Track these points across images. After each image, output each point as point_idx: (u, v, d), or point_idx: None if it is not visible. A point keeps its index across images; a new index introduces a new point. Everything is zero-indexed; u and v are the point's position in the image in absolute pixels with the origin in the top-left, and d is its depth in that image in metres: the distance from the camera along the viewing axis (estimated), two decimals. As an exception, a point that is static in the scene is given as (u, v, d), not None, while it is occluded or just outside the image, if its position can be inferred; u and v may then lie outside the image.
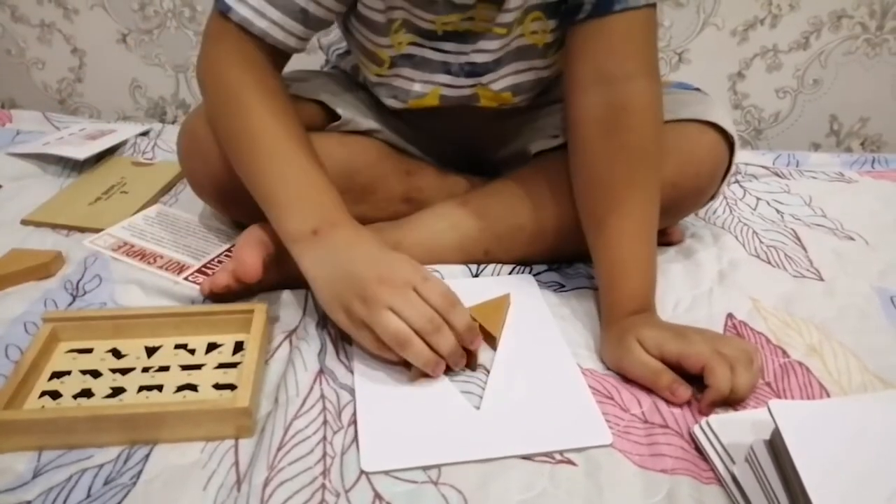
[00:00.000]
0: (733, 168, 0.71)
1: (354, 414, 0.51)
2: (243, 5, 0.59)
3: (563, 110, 0.66)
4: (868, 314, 0.65)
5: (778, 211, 0.86)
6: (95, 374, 0.54)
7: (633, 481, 0.46)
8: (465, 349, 0.55)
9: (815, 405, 0.47)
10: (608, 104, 0.60)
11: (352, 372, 0.55)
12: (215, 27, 0.62)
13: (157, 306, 0.63)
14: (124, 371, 0.55)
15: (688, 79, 0.84)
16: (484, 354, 0.58)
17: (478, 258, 0.71)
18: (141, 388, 0.53)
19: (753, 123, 1.19)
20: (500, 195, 0.71)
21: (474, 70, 0.69)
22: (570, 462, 0.48)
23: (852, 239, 0.79)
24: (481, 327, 0.59)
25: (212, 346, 0.57)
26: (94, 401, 0.51)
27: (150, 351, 0.57)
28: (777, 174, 0.97)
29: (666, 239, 0.76)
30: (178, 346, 0.57)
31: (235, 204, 0.67)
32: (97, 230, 0.76)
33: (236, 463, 0.47)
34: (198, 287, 0.66)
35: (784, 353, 0.60)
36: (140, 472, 0.46)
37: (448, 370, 0.55)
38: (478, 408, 0.52)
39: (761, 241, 0.78)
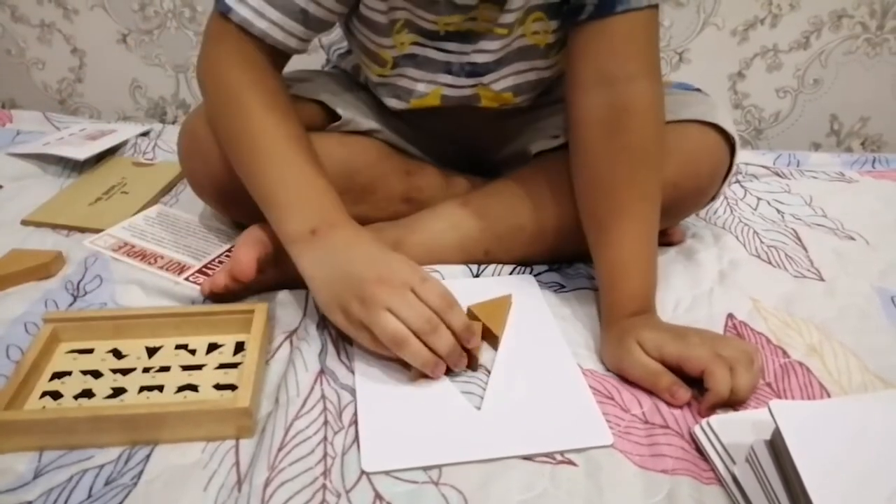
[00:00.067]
0: (734, 168, 0.71)
1: (355, 414, 0.51)
2: (243, 6, 0.59)
3: (564, 111, 0.66)
4: (868, 314, 0.65)
5: (778, 211, 0.86)
6: (96, 374, 0.54)
7: (634, 482, 0.46)
8: (465, 350, 0.55)
9: (816, 405, 0.47)
10: (610, 105, 0.60)
11: (353, 372, 0.55)
12: (215, 28, 0.62)
13: (157, 307, 0.63)
14: (125, 371, 0.55)
15: (688, 78, 0.84)
16: (485, 355, 0.58)
17: (478, 258, 0.71)
18: (142, 389, 0.53)
19: (754, 123, 1.19)
20: (501, 195, 0.71)
21: (475, 70, 0.69)
22: (570, 462, 0.48)
23: (853, 239, 0.79)
24: (483, 326, 0.59)
25: (212, 347, 0.58)
26: (94, 401, 0.52)
27: (151, 351, 0.57)
28: (777, 174, 0.97)
29: (666, 239, 0.76)
30: (178, 347, 0.57)
31: (235, 204, 0.67)
32: (97, 230, 0.76)
33: (237, 463, 0.47)
34: (198, 287, 0.66)
35: (784, 353, 0.60)
36: (141, 473, 0.46)
37: (448, 371, 0.55)
38: (478, 408, 0.52)
39: (762, 241, 0.78)
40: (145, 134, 1.04)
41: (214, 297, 0.63)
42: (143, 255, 0.72)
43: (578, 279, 0.70)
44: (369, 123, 0.74)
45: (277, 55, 0.63)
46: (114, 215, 0.79)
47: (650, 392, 0.54)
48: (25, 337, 0.58)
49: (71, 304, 0.64)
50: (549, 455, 0.48)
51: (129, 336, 0.58)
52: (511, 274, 0.70)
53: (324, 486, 0.45)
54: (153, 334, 0.58)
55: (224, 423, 0.48)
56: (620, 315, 0.58)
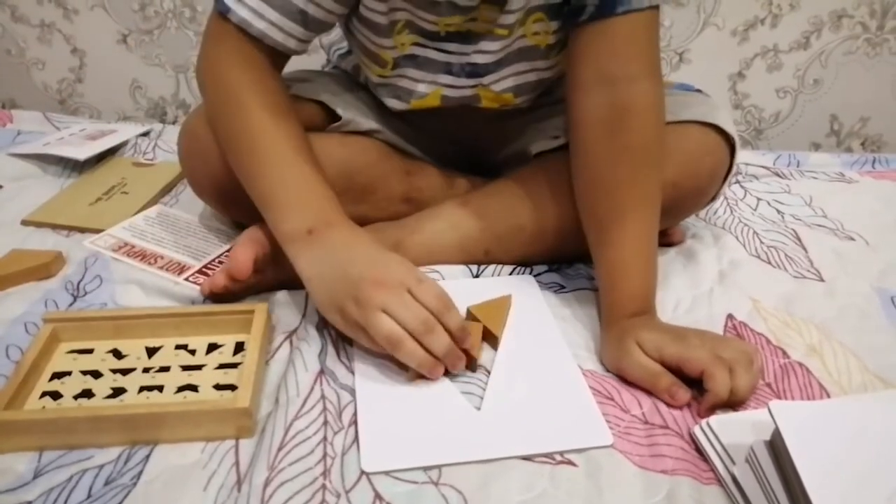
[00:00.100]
0: (734, 169, 0.71)
1: (355, 414, 0.51)
2: (242, 6, 0.59)
3: (564, 111, 0.66)
4: (868, 314, 0.65)
5: (778, 211, 0.86)
6: (96, 374, 0.54)
7: (634, 482, 0.46)
8: (464, 352, 0.55)
9: (816, 405, 0.47)
10: (611, 106, 0.60)
11: (352, 372, 0.55)
12: (215, 28, 0.62)
13: (157, 307, 0.64)
14: (125, 371, 0.55)
15: (688, 79, 0.84)
16: (485, 355, 0.58)
17: (478, 258, 0.71)
18: (141, 389, 0.53)
19: (754, 123, 1.19)
20: (501, 195, 0.71)
21: (475, 71, 0.69)
22: (570, 463, 0.48)
23: (853, 239, 0.79)
24: (483, 327, 0.59)
25: (212, 347, 0.58)
26: (94, 401, 0.52)
27: (151, 351, 0.57)
28: (777, 174, 0.97)
29: (666, 239, 0.76)
30: (178, 347, 0.57)
31: (235, 204, 0.67)
32: (98, 231, 0.76)
33: (237, 463, 0.47)
34: (198, 287, 0.66)
35: (784, 353, 0.60)
36: (140, 473, 0.46)
37: (447, 372, 0.55)
38: (478, 408, 0.52)
39: (762, 242, 0.78)
40: (145, 134, 1.04)
41: (214, 297, 0.63)
42: (143, 256, 0.72)
43: (578, 279, 0.70)
44: (369, 124, 0.74)
45: (277, 55, 0.63)
46: (114, 215, 0.79)
47: (650, 393, 0.54)
48: (25, 337, 0.58)
49: (71, 305, 0.64)
50: (549, 455, 0.48)
51: (128, 336, 0.58)
52: (511, 274, 0.70)
53: (323, 487, 0.45)
54: (153, 334, 0.58)
55: (224, 424, 0.48)
56: (620, 316, 0.58)
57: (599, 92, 0.61)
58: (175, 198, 0.86)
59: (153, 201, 0.84)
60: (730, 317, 0.64)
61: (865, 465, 0.41)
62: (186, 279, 0.68)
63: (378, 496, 0.45)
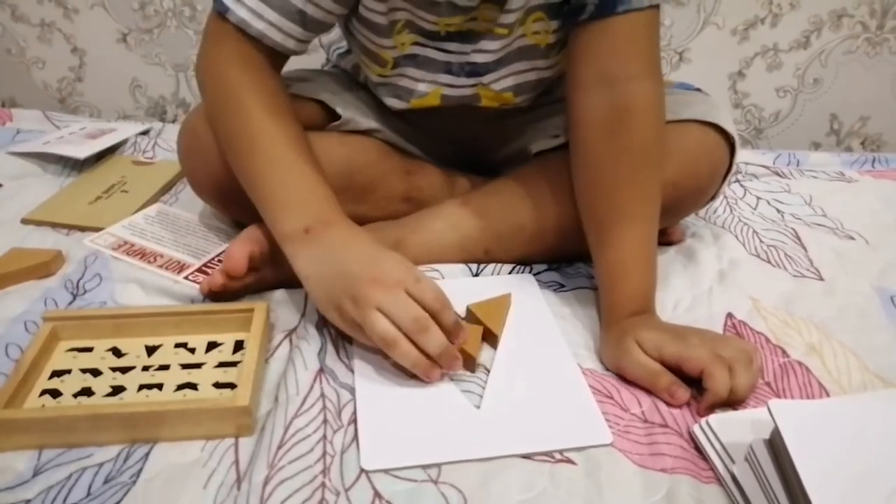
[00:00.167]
0: (734, 168, 0.71)
1: (354, 413, 0.51)
2: (241, 6, 0.59)
3: (564, 110, 0.66)
4: (868, 313, 0.65)
5: (778, 210, 0.86)
6: (96, 372, 0.54)
7: (633, 480, 0.46)
8: (464, 353, 0.55)
9: (815, 404, 0.47)
10: (611, 105, 0.60)
11: (352, 371, 0.55)
12: (214, 28, 0.62)
13: (157, 305, 0.64)
14: (124, 370, 0.55)
15: (688, 78, 0.84)
16: (484, 354, 0.58)
17: (478, 257, 0.71)
18: (141, 387, 0.53)
19: (754, 123, 1.19)
20: (501, 195, 0.71)
21: (475, 70, 0.69)
22: (569, 461, 0.48)
23: (852, 238, 0.79)
24: (483, 326, 0.59)
25: (212, 345, 0.58)
26: (94, 399, 0.52)
27: (151, 350, 0.57)
28: (777, 173, 0.97)
29: (666, 238, 0.76)
30: (178, 345, 0.57)
31: (235, 203, 0.67)
32: (97, 229, 0.76)
33: (236, 461, 0.47)
34: (198, 286, 0.66)
35: (784, 352, 0.60)
36: (140, 471, 0.46)
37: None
38: (478, 407, 0.52)
39: (761, 241, 0.78)
40: (145, 133, 1.04)
41: (213, 295, 0.63)
42: (143, 254, 0.72)
43: (578, 278, 0.70)
44: (369, 123, 0.74)
45: (276, 55, 0.63)
46: (114, 214, 0.79)
47: (649, 391, 0.54)
48: (25, 335, 0.58)
49: (70, 303, 0.64)
50: (549, 454, 0.48)
51: (128, 334, 0.58)
52: (511, 273, 0.70)
53: (323, 485, 0.45)
54: (153, 333, 0.58)
55: (223, 422, 0.48)
56: (620, 315, 0.58)
57: (599, 91, 0.61)
58: (175, 196, 0.86)
59: (153, 200, 0.84)
60: (729, 316, 0.64)
61: (865, 464, 0.41)
62: (186, 278, 0.68)
63: (377, 494, 0.45)
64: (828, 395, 0.55)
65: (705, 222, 0.83)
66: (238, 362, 0.55)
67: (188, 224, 0.79)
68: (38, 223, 0.77)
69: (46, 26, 1.18)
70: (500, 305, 0.62)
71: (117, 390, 0.52)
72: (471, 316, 0.61)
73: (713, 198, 0.73)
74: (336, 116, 0.71)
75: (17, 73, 1.22)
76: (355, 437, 0.49)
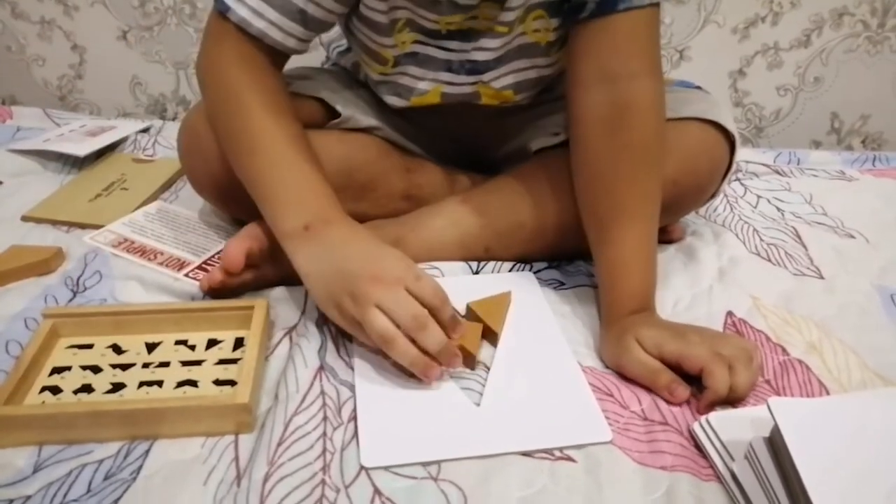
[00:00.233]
0: (734, 166, 0.71)
1: (354, 410, 0.51)
2: (242, 6, 0.59)
3: (564, 108, 0.66)
4: (868, 312, 0.65)
5: (778, 209, 0.86)
6: (96, 369, 0.54)
7: (633, 478, 0.46)
8: (463, 350, 0.55)
9: (815, 402, 0.47)
10: (612, 103, 0.60)
11: (352, 368, 0.55)
12: (215, 26, 0.62)
13: (157, 302, 0.64)
14: (125, 367, 0.55)
15: (689, 76, 0.84)
16: (484, 351, 0.58)
17: (478, 255, 0.71)
18: (141, 384, 0.53)
19: (754, 121, 1.19)
20: (501, 192, 0.71)
21: (475, 68, 0.69)
22: (569, 459, 0.48)
23: (853, 237, 0.79)
24: (483, 323, 0.59)
25: (212, 343, 0.58)
26: (94, 396, 0.52)
27: (151, 347, 0.57)
28: (778, 172, 0.97)
29: (666, 237, 0.76)
30: (178, 343, 0.57)
31: (235, 201, 0.67)
32: (97, 226, 0.76)
33: (236, 458, 0.47)
34: (198, 283, 0.66)
35: (784, 350, 0.60)
36: (140, 468, 0.46)
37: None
38: (478, 404, 0.52)
39: (762, 239, 0.78)
40: (145, 130, 1.04)
41: (213, 292, 0.63)
42: (143, 252, 0.72)
43: (578, 276, 0.70)
44: (369, 121, 0.74)
45: (277, 54, 0.63)
46: (114, 211, 0.79)
47: (649, 389, 0.54)
48: (25, 332, 0.58)
49: (70, 300, 0.64)
50: (549, 451, 0.48)
51: (128, 332, 0.58)
52: (511, 271, 0.70)
53: (323, 482, 0.45)
54: (153, 330, 0.58)
55: (223, 419, 0.48)
56: (620, 313, 0.58)
57: (600, 89, 0.60)
58: (175, 194, 0.86)
59: (153, 197, 0.84)
60: (729, 314, 0.64)
61: (864, 462, 0.41)
62: (186, 275, 0.68)
63: (377, 491, 0.45)
64: (828, 393, 0.55)
65: (705, 220, 0.83)
66: (238, 359, 0.55)
67: (188, 221, 0.79)
68: (39, 220, 0.77)
69: (46, 23, 1.18)
70: (500, 303, 0.62)
71: (117, 387, 0.52)
72: (471, 314, 0.61)
73: (713, 196, 0.73)
74: (336, 114, 0.71)
75: (17, 71, 1.22)
76: (355, 434, 0.49)
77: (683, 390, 0.52)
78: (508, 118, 0.77)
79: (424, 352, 0.52)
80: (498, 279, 0.68)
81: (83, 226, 0.77)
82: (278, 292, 0.64)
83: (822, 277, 0.71)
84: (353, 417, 0.51)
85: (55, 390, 0.52)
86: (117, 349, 0.56)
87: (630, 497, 0.45)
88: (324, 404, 0.52)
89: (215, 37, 0.63)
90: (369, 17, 0.66)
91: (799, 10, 1.09)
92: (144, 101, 1.24)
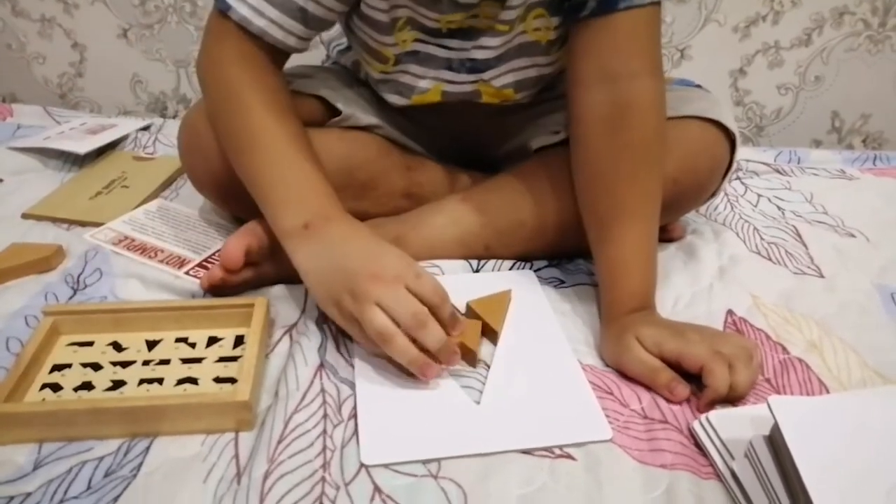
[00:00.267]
0: (734, 165, 0.71)
1: (354, 408, 0.51)
2: (242, 4, 0.59)
3: (565, 107, 0.66)
4: (868, 310, 0.65)
5: (779, 208, 0.86)
6: (96, 366, 0.54)
7: (633, 476, 0.46)
8: (464, 348, 0.55)
9: (815, 401, 0.47)
10: (613, 102, 0.60)
11: (352, 366, 0.55)
12: (215, 25, 0.62)
13: (157, 300, 0.64)
14: (125, 364, 0.55)
15: (689, 75, 0.84)
16: (484, 350, 0.58)
17: (478, 253, 0.71)
18: (141, 381, 0.53)
19: (755, 120, 1.19)
20: (501, 191, 0.71)
21: (475, 66, 0.69)
22: (569, 457, 0.48)
23: (853, 236, 0.79)
24: (483, 322, 0.59)
25: (212, 340, 0.58)
26: (94, 393, 0.52)
27: (151, 344, 0.57)
28: (778, 171, 0.97)
29: (667, 235, 0.76)
30: (178, 340, 0.57)
31: (235, 199, 0.67)
32: (98, 224, 0.76)
33: (236, 456, 0.47)
34: (198, 281, 0.66)
35: (784, 349, 0.60)
36: (140, 465, 0.46)
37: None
38: (478, 402, 0.52)
39: (762, 238, 0.78)
40: (146, 128, 1.04)
41: (214, 290, 0.63)
42: (144, 249, 0.72)
43: (578, 275, 0.70)
44: (369, 119, 0.74)
45: (277, 53, 0.63)
46: (114, 209, 0.79)
47: (649, 388, 0.54)
48: (25, 330, 0.58)
49: (71, 298, 0.64)
50: (549, 449, 0.48)
51: (129, 329, 0.58)
52: (511, 269, 0.70)
53: (323, 479, 0.45)
54: (153, 328, 0.58)
55: (224, 416, 0.49)
56: (620, 311, 0.58)
57: (600, 88, 0.60)
58: (175, 192, 0.86)
59: (153, 195, 0.84)
60: (729, 312, 0.64)
61: (864, 460, 0.41)
62: (186, 273, 0.68)
63: (377, 489, 0.45)
64: (827, 391, 0.55)
65: (706, 219, 0.82)
66: (238, 357, 0.55)
67: (189, 219, 0.79)
68: (39, 218, 0.77)
69: (47, 21, 1.18)
70: (501, 301, 0.62)
71: (118, 384, 0.53)
72: (471, 312, 0.61)
73: (714, 194, 0.73)
74: (336, 113, 0.71)
75: (17, 69, 1.22)
76: (355, 431, 0.49)
77: (683, 389, 0.53)
78: (509, 116, 0.77)
79: (424, 350, 0.52)
80: (498, 277, 0.68)
81: (84, 223, 0.77)
82: (278, 290, 0.64)
83: (822, 276, 0.71)
84: (354, 415, 0.51)
85: (55, 387, 0.52)
86: (118, 346, 0.56)
87: (630, 495, 0.45)
88: (324, 402, 0.52)
89: (216, 35, 0.63)
90: (370, 15, 0.66)
91: (800, 8, 1.09)
92: (145, 99, 1.24)
